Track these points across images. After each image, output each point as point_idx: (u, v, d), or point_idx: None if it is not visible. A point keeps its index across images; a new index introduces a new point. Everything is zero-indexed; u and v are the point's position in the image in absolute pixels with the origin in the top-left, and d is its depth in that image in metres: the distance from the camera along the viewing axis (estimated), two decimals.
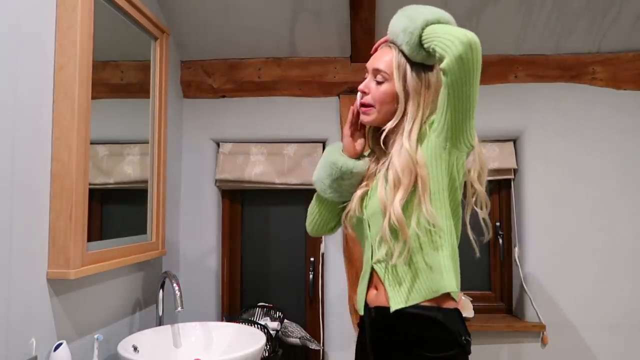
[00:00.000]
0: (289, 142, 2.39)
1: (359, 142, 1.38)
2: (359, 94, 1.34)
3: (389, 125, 1.29)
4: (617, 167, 2.27)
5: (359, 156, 1.37)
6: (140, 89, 1.86)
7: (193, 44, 2.31)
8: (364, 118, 1.33)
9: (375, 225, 1.28)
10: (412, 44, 1.21)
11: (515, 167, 2.35)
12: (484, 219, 1.28)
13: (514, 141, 2.37)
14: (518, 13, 2.14)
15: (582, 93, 2.30)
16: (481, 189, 1.27)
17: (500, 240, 2.39)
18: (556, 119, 2.30)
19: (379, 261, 1.28)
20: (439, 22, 1.19)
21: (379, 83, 1.30)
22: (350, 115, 1.37)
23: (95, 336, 1.44)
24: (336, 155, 1.36)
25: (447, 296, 1.23)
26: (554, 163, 2.29)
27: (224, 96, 2.39)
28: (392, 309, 1.22)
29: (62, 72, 1.35)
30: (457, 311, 1.26)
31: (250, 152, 2.39)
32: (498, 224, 2.42)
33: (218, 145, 2.43)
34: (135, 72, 1.83)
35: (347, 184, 1.35)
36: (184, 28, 2.23)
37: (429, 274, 1.21)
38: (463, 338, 1.22)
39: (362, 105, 1.33)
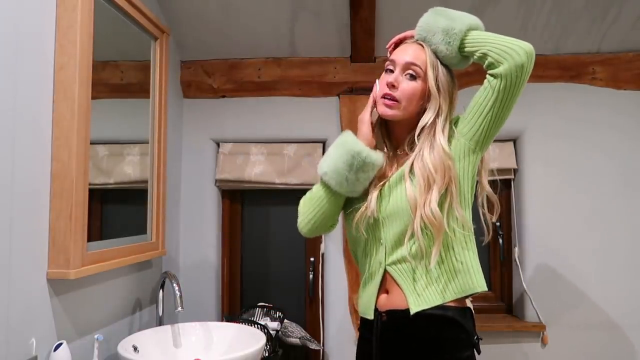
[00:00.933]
0: (289, 142, 2.39)
1: (372, 138, 1.31)
2: (379, 84, 1.30)
3: (425, 121, 1.25)
4: (617, 167, 2.27)
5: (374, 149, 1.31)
6: (140, 89, 1.86)
7: (193, 44, 2.31)
8: (385, 111, 1.27)
9: (392, 226, 1.26)
10: (454, 45, 1.22)
11: (515, 167, 2.35)
12: (484, 217, 1.29)
13: (514, 141, 2.37)
14: (518, 13, 2.14)
15: (582, 93, 2.30)
16: (491, 191, 1.29)
17: (500, 240, 2.39)
18: (556, 119, 2.30)
19: (394, 263, 1.26)
20: (478, 28, 1.23)
21: (411, 78, 1.27)
22: (371, 103, 1.32)
23: (95, 336, 1.44)
24: (359, 145, 1.25)
25: (465, 296, 1.24)
26: (554, 163, 2.29)
27: (224, 96, 2.39)
28: (413, 311, 1.20)
29: (62, 72, 1.35)
30: (471, 310, 1.26)
31: (250, 152, 2.39)
32: (498, 224, 2.42)
33: (218, 145, 2.43)
34: (135, 72, 1.83)
35: (364, 177, 1.27)
36: (184, 28, 2.23)
37: (458, 274, 1.22)
38: (475, 337, 1.23)
39: (388, 98, 1.27)
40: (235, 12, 2.16)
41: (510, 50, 1.15)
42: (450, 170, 1.21)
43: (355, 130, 1.32)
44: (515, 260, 2.32)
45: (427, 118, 1.26)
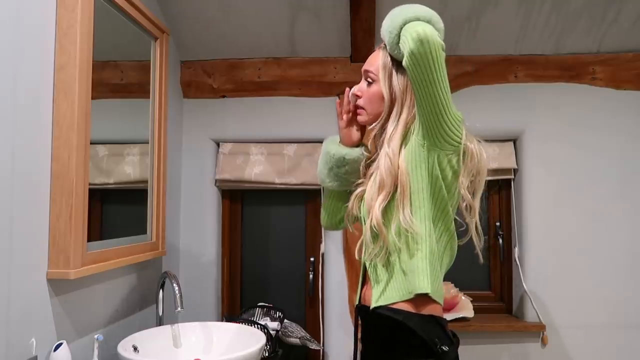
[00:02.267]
0: (289, 142, 2.39)
1: (355, 133, 1.40)
2: (348, 91, 1.38)
3: (373, 125, 1.33)
4: (617, 167, 2.27)
5: (357, 146, 1.41)
6: (140, 89, 1.86)
7: (193, 44, 2.31)
8: (359, 118, 1.39)
9: (367, 224, 1.30)
10: (391, 43, 1.22)
11: (515, 167, 2.35)
12: (476, 224, 1.27)
13: (514, 141, 2.37)
14: (518, 13, 2.14)
15: (582, 93, 2.30)
16: (468, 195, 1.23)
17: (500, 240, 2.39)
18: (556, 119, 2.30)
19: (368, 259, 1.30)
20: (417, 19, 1.16)
21: (369, 84, 1.33)
22: (338, 108, 1.42)
23: (95, 336, 1.44)
24: (330, 145, 1.42)
25: (427, 301, 1.20)
26: (553, 163, 2.29)
27: (224, 96, 2.39)
28: (371, 307, 1.25)
29: (62, 72, 1.35)
30: (434, 318, 1.21)
31: (250, 152, 2.39)
32: (498, 224, 2.42)
33: (218, 145, 2.43)
34: (135, 72, 1.83)
35: (342, 171, 1.39)
36: (184, 28, 2.23)
37: (404, 275, 1.22)
38: (438, 347, 1.17)
39: (356, 106, 1.38)
40: (235, 12, 2.16)
41: (404, 39, 1.12)
42: (396, 175, 1.21)
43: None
44: (515, 260, 2.32)
45: (376, 123, 1.32)
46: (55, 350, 1.27)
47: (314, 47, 2.31)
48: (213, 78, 2.38)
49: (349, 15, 2.12)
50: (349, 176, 1.40)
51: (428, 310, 1.21)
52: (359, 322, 1.38)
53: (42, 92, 1.31)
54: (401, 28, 1.17)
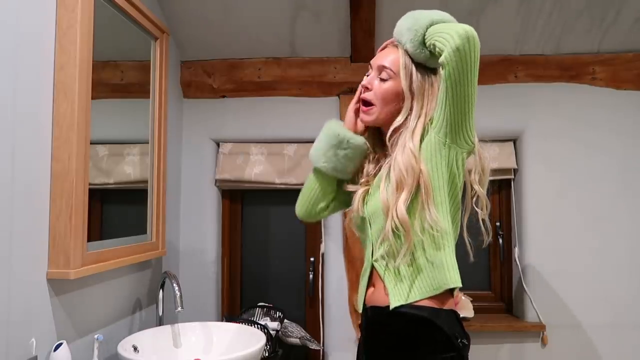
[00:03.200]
0: (289, 142, 2.39)
1: (360, 123, 1.38)
2: (359, 89, 1.35)
3: (396, 122, 1.29)
4: (617, 167, 2.27)
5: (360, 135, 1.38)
6: (140, 89, 1.86)
7: (193, 44, 2.31)
8: (364, 117, 1.35)
9: (376, 223, 1.28)
10: (415, 41, 1.23)
11: (515, 167, 2.35)
12: (483, 220, 1.28)
13: (514, 141, 2.37)
14: (518, 13, 2.14)
15: (582, 93, 2.30)
16: (482, 190, 1.28)
17: (500, 240, 2.39)
18: (556, 119, 2.30)
19: (378, 259, 1.28)
20: (442, 21, 1.21)
21: (382, 80, 1.30)
22: (357, 94, 1.36)
23: (95, 336, 1.45)
24: (335, 125, 1.38)
25: (448, 296, 1.23)
26: (553, 163, 2.29)
27: (224, 96, 2.39)
28: (392, 306, 1.22)
29: (62, 72, 1.35)
30: (454, 313, 1.24)
31: (250, 152, 2.39)
32: (498, 224, 2.42)
33: (218, 145, 2.43)
34: (135, 72, 1.83)
35: (342, 154, 1.35)
36: (184, 28, 2.23)
37: (432, 270, 1.21)
38: (459, 341, 1.20)
39: (364, 103, 1.33)
40: (235, 12, 2.16)
41: (446, 35, 1.13)
42: (419, 172, 1.21)
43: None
44: (515, 260, 2.32)
45: (397, 120, 1.29)
46: (55, 350, 1.27)
47: (314, 47, 2.31)
48: (213, 78, 2.38)
49: (349, 15, 2.12)
50: (347, 162, 1.37)
51: (449, 305, 1.23)
52: (360, 324, 1.37)
53: (42, 92, 1.31)
54: (427, 28, 1.20)
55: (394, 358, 1.22)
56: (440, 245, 1.22)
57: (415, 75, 1.27)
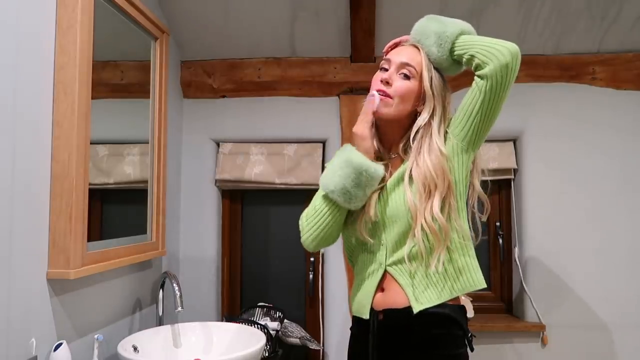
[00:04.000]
0: (289, 142, 2.39)
1: (366, 126, 1.30)
2: (374, 93, 1.28)
3: (419, 122, 1.27)
4: (617, 167, 2.27)
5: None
6: (140, 89, 1.86)
7: (193, 44, 2.31)
8: (381, 108, 1.27)
9: (393, 228, 1.27)
10: (444, 47, 1.24)
11: (515, 167, 2.35)
12: (474, 220, 1.31)
13: (514, 141, 2.37)
14: (518, 13, 2.14)
15: (582, 93, 2.30)
16: (482, 191, 1.30)
17: (500, 240, 2.39)
18: (556, 119, 2.30)
19: (394, 263, 1.27)
20: (470, 33, 1.25)
21: (404, 78, 1.28)
22: (369, 116, 1.28)
23: (95, 336, 1.45)
24: (366, 162, 1.24)
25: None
26: (553, 163, 2.29)
27: (224, 96, 2.39)
28: (417, 310, 1.22)
29: (62, 72, 1.35)
30: (464, 308, 1.29)
31: (250, 152, 2.39)
32: (498, 224, 2.42)
33: (218, 145, 2.43)
34: (135, 72, 1.83)
35: (370, 190, 1.26)
36: (184, 28, 2.23)
37: (459, 273, 1.24)
38: (470, 335, 1.25)
39: (381, 94, 1.27)
40: (235, 12, 2.16)
41: (495, 50, 1.16)
42: (449, 173, 1.22)
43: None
44: (515, 260, 2.32)
45: (422, 119, 1.27)
46: (55, 350, 1.27)
47: (314, 47, 2.31)
48: (213, 78, 2.38)
49: (349, 15, 2.12)
50: (369, 191, 1.27)
51: (458, 301, 1.27)
52: (360, 327, 1.35)
53: (42, 92, 1.31)
54: (457, 36, 1.23)
55: (416, 359, 1.23)
56: (466, 252, 1.26)
57: (436, 78, 1.28)
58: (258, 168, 2.37)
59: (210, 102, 2.39)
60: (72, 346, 1.37)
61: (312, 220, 1.32)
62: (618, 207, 2.26)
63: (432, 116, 1.27)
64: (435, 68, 1.29)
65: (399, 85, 1.27)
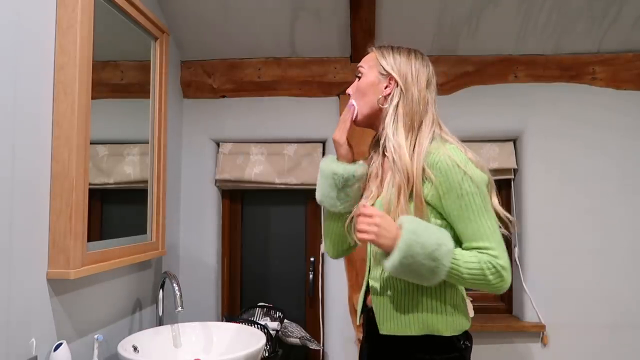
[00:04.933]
0: (289, 142, 2.39)
1: (350, 150, 1.31)
2: (352, 103, 1.31)
3: (385, 117, 1.24)
4: (617, 167, 2.27)
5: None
6: (140, 89, 1.86)
7: (193, 44, 2.31)
8: (355, 120, 1.30)
9: None
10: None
11: (515, 167, 2.35)
12: None
13: (514, 141, 2.37)
14: (518, 13, 2.14)
15: (582, 93, 2.30)
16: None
17: None
18: (556, 119, 2.30)
19: (373, 279, 1.26)
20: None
21: (357, 78, 1.31)
22: (346, 123, 1.29)
23: (95, 336, 1.44)
24: (333, 165, 1.28)
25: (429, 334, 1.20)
26: (553, 163, 2.29)
27: (224, 96, 2.39)
28: (382, 332, 1.21)
29: (62, 72, 1.35)
30: (440, 338, 1.20)
31: (250, 152, 2.39)
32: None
33: (218, 145, 2.43)
34: (135, 72, 1.83)
35: (354, 189, 1.29)
36: (184, 28, 2.23)
37: (427, 312, 1.18)
38: (462, 343, 1.20)
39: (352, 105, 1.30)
40: (235, 12, 2.16)
41: (492, 289, 1.14)
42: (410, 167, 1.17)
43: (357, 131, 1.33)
44: (515, 260, 2.32)
45: (388, 114, 1.23)
46: (55, 350, 1.27)
47: (314, 47, 2.31)
48: (213, 78, 2.38)
49: (349, 15, 2.12)
50: (359, 192, 1.31)
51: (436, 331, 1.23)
52: (360, 325, 1.37)
53: (42, 92, 1.31)
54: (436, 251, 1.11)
55: (397, 358, 1.22)
56: (427, 290, 1.18)
57: (393, 59, 1.25)
58: (258, 168, 2.37)
59: (210, 102, 2.39)
60: (72, 346, 1.37)
61: (324, 230, 1.43)
62: (618, 207, 2.26)
63: (398, 101, 1.22)
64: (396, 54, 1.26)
65: (353, 85, 1.32)
